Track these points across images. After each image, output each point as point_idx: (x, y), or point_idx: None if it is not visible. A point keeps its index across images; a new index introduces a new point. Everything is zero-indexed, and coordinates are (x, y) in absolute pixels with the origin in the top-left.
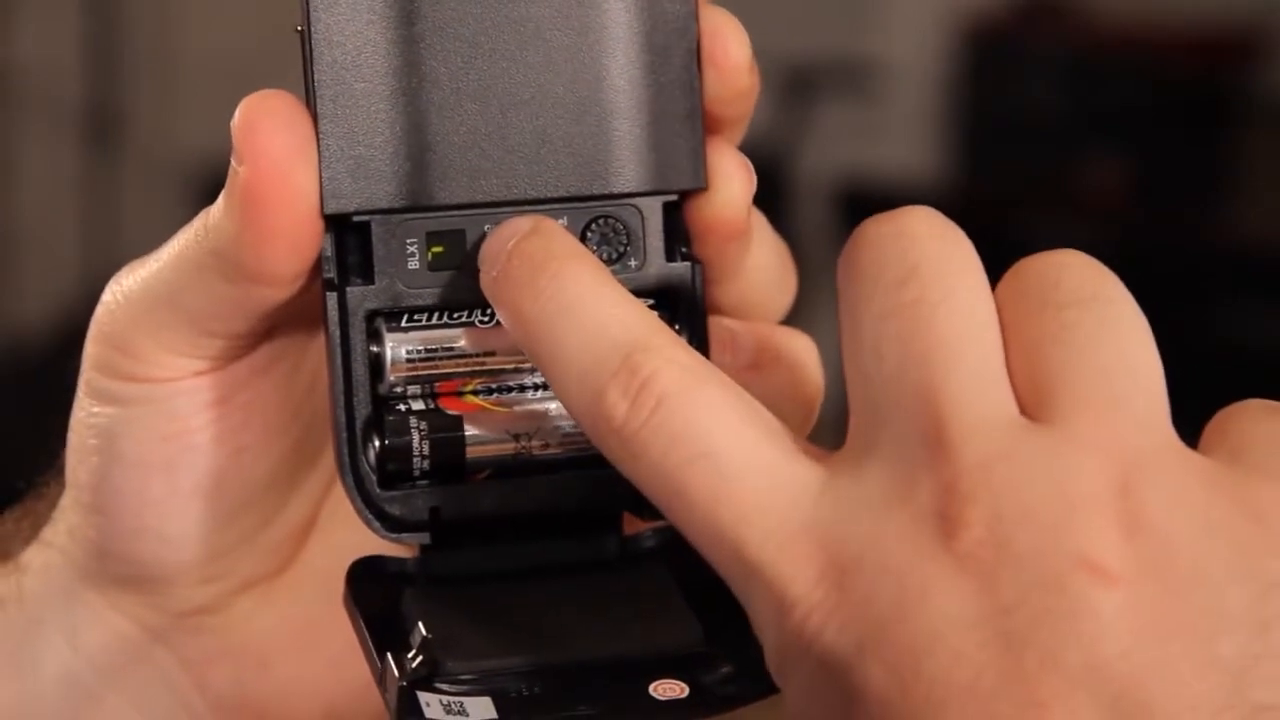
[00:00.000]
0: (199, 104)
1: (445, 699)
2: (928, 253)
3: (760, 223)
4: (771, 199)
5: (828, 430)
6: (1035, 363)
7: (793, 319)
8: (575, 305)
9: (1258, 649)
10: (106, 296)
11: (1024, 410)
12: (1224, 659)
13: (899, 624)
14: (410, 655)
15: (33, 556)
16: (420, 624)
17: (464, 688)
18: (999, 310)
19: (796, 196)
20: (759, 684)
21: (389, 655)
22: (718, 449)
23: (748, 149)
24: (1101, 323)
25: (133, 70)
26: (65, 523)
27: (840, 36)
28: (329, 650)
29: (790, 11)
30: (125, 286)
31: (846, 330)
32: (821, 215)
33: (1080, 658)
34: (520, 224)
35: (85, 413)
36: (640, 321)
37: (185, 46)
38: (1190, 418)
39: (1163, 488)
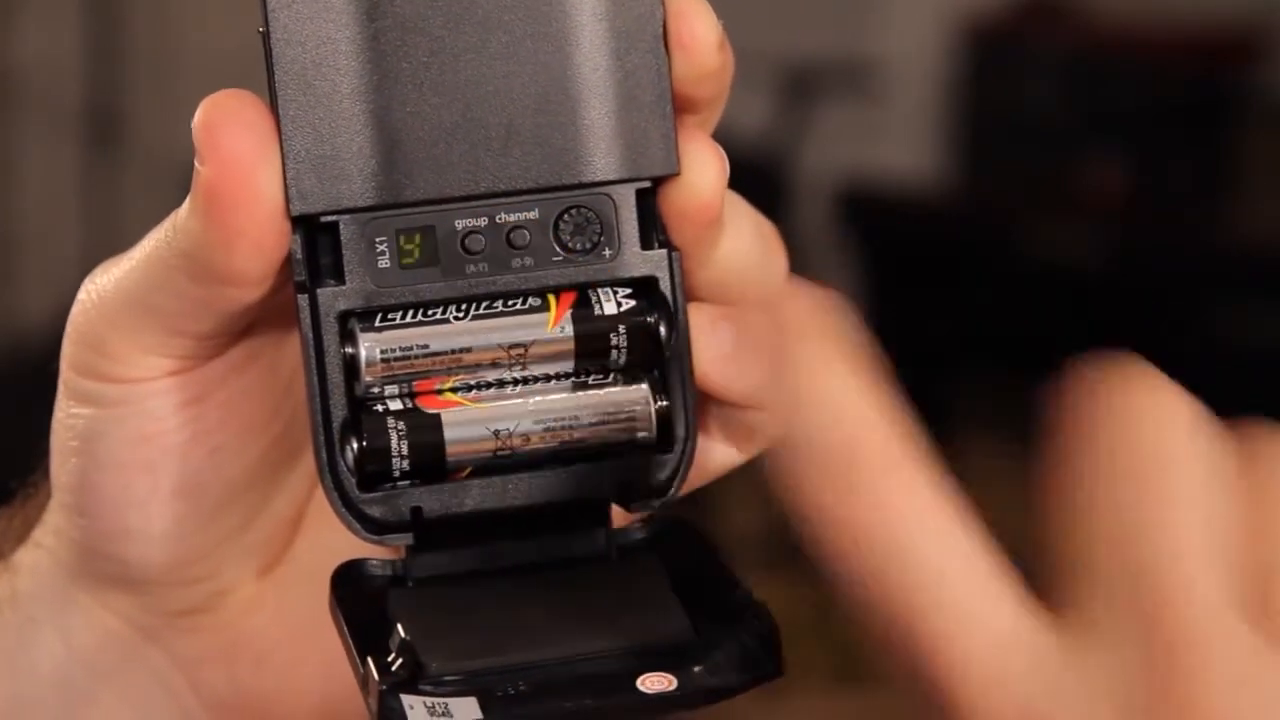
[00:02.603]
0: (199, 104)
1: (429, 700)
2: (1181, 444)
3: (738, 205)
4: (771, 199)
5: None
6: (1271, 558)
7: None
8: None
9: None
10: (81, 295)
11: (1255, 607)
12: None
13: None
14: (391, 658)
15: (23, 557)
16: (402, 626)
17: (448, 688)
18: (1238, 495)
19: (796, 196)
20: (746, 675)
21: (370, 659)
22: (949, 582)
23: (749, 149)
24: None
25: (133, 70)
26: (52, 524)
27: (840, 36)
28: (322, 647)
29: (790, 11)
30: (99, 286)
31: (1076, 494)
32: (821, 215)
33: None
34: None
35: (64, 413)
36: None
37: (185, 46)
38: None
39: None
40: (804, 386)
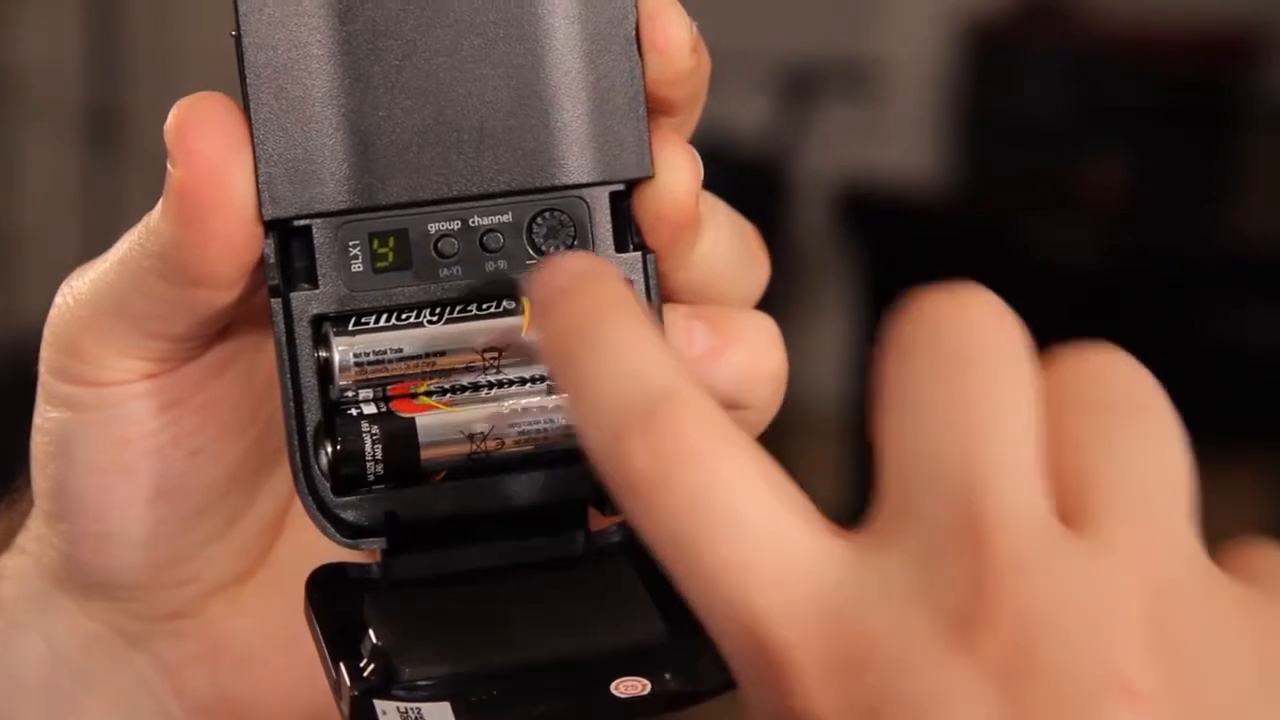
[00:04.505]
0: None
1: (402, 706)
2: (984, 340)
3: (715, 206)
4: (771, 199)
5: (829, 439)
6: (1074, 466)
7: (792, 318)
8: (614, 350)
9: None
10: (58, 299)
11: (1058, 511)
12: None
13: None
14: (364, 663)
15: (7, 562)
16: (376, 630)
17: (422, 693)
18: (1041, 404)
19: (796, 196)
20: (719, 678)
21: (342, 664)
22: (741, 514)
23: (749, 149)
24: (1142, 433)
25: (133, 70)
26: (35, 529)
27: (840, 36)
28: (306, 650)
29: (790, 11)
30: (75, 289)
31: (889, 405)
32: (821, 215)
33: None
34: (576, 261)
35: (42, 418)
36: (674, 373)
37: (185, 46)
38: (1189, 418)
39: (1194, 611)
40: (605, 346)
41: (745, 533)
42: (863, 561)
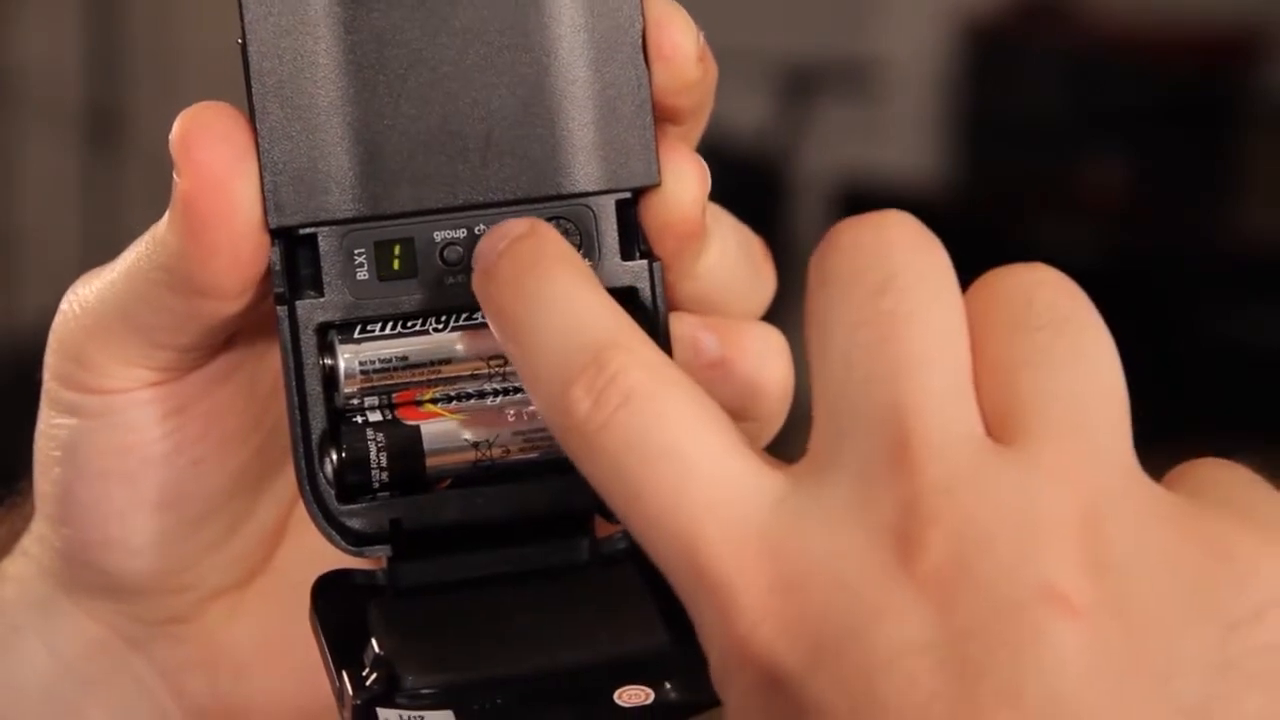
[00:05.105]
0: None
1: (405, 714)
2: (905, 262)
3: (722, 219)
4: (771, 199)
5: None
6: (1004, 384)
7: (791, 319)
8: (555, 304)
9: (1215, 690)
10: (64, 306)
11: (989, 430)
12: (1180, 699)
13: (852, 642)
14: (366, 671)
15: (9, 565)
16: (379, 638)
17: (425, 702)
18: (968, 324)
19: (796, 196)
20: None
21: (345, 672)
22: (680, 450)
23: (748, 148)
24: (1073, 349)
25: (133, 70)
26: (37, 532)
27: (840, 36)
28: (305, 657)
29: (790, 11)
30: (81, 296)
31: (814, 335)
32: (821, 215)
33: (1036, 689)
34: (515, 226)
35: (47, 424)
36: (614, 322)
37: (185, 46)
38: (1190, 417)
39: (1128, 522)
40: (546, 299)
41: (684, 466)
42: (799, 489)
